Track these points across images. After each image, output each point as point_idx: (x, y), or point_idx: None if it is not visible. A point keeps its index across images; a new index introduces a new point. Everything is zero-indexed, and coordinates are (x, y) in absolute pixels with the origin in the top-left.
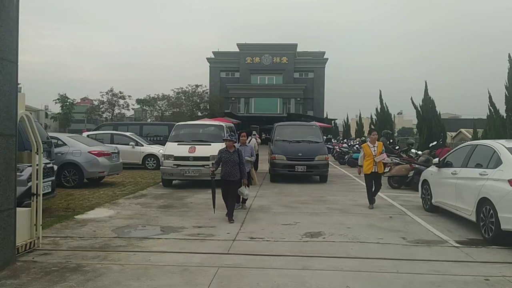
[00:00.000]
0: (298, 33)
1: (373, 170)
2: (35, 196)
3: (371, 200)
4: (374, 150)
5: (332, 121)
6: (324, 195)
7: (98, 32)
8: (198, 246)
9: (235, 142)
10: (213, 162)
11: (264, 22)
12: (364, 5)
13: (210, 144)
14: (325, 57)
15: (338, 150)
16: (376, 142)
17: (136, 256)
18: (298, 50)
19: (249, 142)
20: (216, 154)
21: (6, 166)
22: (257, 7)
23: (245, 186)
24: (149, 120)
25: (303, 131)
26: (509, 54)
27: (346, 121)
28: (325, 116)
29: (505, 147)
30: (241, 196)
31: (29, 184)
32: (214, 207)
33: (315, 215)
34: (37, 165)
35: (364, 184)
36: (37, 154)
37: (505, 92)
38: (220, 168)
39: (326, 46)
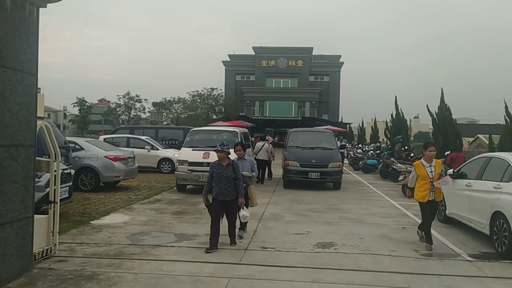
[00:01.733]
0: (314, 40)
1: (430, 198)
2: (52, 203)
3: (429, 237)
4: (431, 171)
5: (347, 125)
6: (337, 203)
7: (116, 33)
8: (210, 255)
9: (229, 154)
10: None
11: (281, 29)
12: (379, 11)
13: None
14: (340, 60)
15: (352, 155)
16: (434, 160)
17: (150, 265)
18: (313, 53)
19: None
20: (231, 159)
21: (25, 176)
22: (275, 17)
23: (243, 207)
24: (164, 123)
25: (317, 137)
26: None
27: (361, 125)
28: (340, 120)
29: None
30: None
31: (47, 189)
32: (212, 246)
33: (327, 225)
34: (55, 171)
35: (379, 192)
36: (55, 162)
37: None
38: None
39: (341, 51)
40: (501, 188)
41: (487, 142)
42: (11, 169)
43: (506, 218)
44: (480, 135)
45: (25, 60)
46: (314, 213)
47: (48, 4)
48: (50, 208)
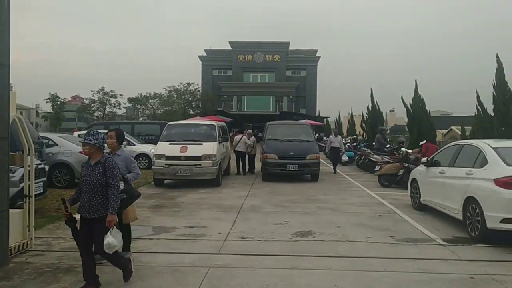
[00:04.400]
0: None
1: None
2: (27, 197)
3: None
4: None
5: (324, 119)
6: (315, 194)
7: (89, 29)
8: (190, 246)
9: (100, 147)
10: (198, 163)
11: (257, 24)
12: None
13: (201, 144)
14: (317, 55)
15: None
16: None
17: None
18: (290, 48)
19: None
20: (209, 153)
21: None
22: (250, 10)
23: (113, 229)
24: (140, 119)
25: (295, 130)
26: (497, 54)
27: (338, 119)
28: (317, 114)
29: (491, 147)
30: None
31: (21, 185)
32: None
33: (305, 214)
34: (29, 166)
35: (356, 183)
36: (29, 155)
37: (493, 92)
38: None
39: (319, 46)
40: (473, 174)
41: (460, 133)
42: None
43: (479, 203)
44: (453, 127)
45: None
46: (293, 203)
47: None
48: (25, 202)
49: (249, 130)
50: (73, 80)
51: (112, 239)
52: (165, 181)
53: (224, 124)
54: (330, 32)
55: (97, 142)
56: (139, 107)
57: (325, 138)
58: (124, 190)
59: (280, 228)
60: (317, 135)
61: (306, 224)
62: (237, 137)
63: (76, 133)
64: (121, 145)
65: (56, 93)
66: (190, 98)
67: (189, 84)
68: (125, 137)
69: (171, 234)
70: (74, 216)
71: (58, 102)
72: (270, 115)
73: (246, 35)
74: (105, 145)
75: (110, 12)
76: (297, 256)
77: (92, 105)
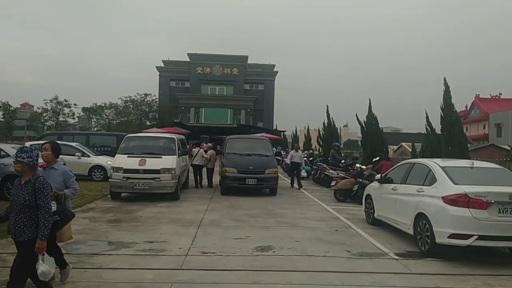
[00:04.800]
0: (249, 50)
1: None
2: None
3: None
4: None
5: (282, 133)
6: (273, 208)
7: (39, 34)
8: (151, 262)
9: (33, 166)
10: (157, 176)
11: (215, 37)
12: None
13: (161, 157)
14: (275, 70)
15: (287, 162)
16: None
17: (88, 273)
18: (248, 62)
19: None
20: (169, 167)
21: None
22: (207, 23)
23: (44, 255)
24: (94, 129)
25: (254, 144)
26: (444, 78)
27: (294, 133)
28: (274, 127)
29: (439, 166)
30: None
31: None
32: None
33: (265, 229)
34: None
35: (312, 197)
36: None
37: (440, 113)
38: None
39: (277, 61)
40: (423, 191)
41: (410, 149)
42: None
43: (428, 219)
44: (403, 143)
45: None
46: (252, 218)
47: None
48: None
49: (208, 144)
50: (22, 87)
51: (47, 267)
52: (122, 194)
53: (183, 137)
54: (288, 49)
55: (31, 160)
56: (93, 117)
57: (282, 152)
58: (56, 212)
59: (241, 243)
60: (274, 149)
61: (266, 238)
62: (195, 150)
63: (28, 143)
64: (58, 159)
65: (7, 102)
66: (147, 109)
67: (146, 94)
68: (79, 148)
69: (130, 250)
70: None
71: (9, 111)
72: (227, 128)
73: (204, 48)
74: (39, 162)
75: (60, 17)
76: (258, 271)
77: (45, 114)
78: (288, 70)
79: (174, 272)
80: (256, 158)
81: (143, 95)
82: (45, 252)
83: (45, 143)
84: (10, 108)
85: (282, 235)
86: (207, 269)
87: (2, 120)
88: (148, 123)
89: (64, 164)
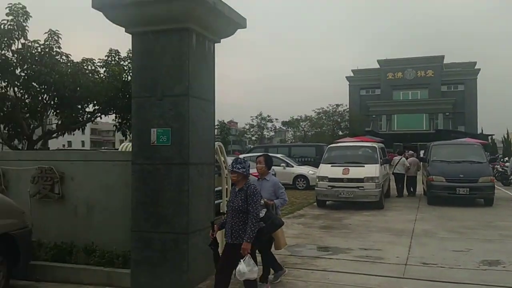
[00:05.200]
0: (444, 46)
1: None
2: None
3: None
4: None
5: (489, 137)
6: (492, 220)
7: (238, 60)
8: (371, 268)
9: (246, 175)
10: (361, 185)
11: (406, 37)
12: None
13: (363, 166)
14: (476, 67)
15: (500, 169)
16: None
17: (315, 274)
18: (445, 62)
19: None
20: (372, 175)
21: (208, 190)
22: (397, 23)
23: (244, 258)
24: (289, 141)
25: (463, 150)
26: None
27: (506, 136)
28: (479, 131)
29: None
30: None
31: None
32: None
33: (488, 242)
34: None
35: None
36: (226, 178)
37: None
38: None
39: (477, 57)
40: None
41: None
42: (199, 184)
43: None
44: None
45: (206, 90)
46: (469, 230)
47: (221, 40)
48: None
49: (410, 151)
50: (227, 106)
51: (243, 267)
52: (327, 202)
53: (383, 145)
54: (489, 39)
55: (244, 170)
56: (290, 129)
57: (503, 159)
58: (263, 219)
59: (463, 255)
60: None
61: (490, 252)
62: (396, 158)
63: (241, 156)
64: (270, 171)
65: (224, 120)
66: (339, 119)
67: (337, 105)
68: (284, 159)
69: (348, 255)
70: (217, 240)
71: (225, 128)
72: (423, 134)
73: (394, 53)
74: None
75: (254, 36)
76: (489, 285)
77: (251, 129)
78: (493, 65)
79: (398, 280)
80: (467, 165)
81: (334, 106)
82: (249, 254)
83: (260, 156)
84: (226, 126)
85: (511, 249)
86: (432, 280)
87: (219, 136)
88: (340, 133)
89: (274, 175)
